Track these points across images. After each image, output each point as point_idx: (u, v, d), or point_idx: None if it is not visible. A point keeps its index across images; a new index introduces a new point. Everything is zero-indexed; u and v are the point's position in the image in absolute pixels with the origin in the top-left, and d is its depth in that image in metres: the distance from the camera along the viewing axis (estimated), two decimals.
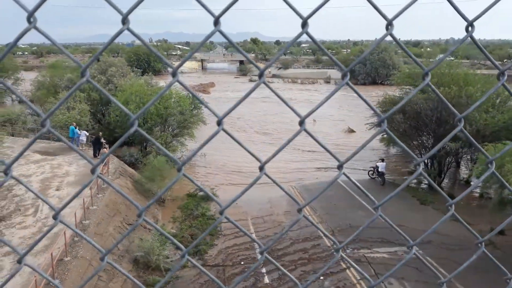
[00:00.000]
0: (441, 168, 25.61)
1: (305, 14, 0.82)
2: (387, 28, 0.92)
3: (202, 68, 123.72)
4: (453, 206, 1.28)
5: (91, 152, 24.78)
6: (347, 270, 15.81)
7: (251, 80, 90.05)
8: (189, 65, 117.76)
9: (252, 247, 17.96)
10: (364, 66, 78.28)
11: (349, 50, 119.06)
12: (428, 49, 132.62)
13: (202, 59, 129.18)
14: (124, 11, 0.77)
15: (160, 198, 22.72)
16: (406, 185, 1.35)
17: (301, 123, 0.99)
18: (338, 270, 15.85)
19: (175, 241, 1.20)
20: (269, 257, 1.21)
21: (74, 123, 26.58)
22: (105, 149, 23.79)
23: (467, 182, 26.22)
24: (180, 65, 0.89)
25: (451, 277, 1.44)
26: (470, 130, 22.32)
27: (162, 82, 38.68)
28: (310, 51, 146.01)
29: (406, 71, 33.51)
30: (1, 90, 54.41)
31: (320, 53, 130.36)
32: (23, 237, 15.06)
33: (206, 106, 0.95)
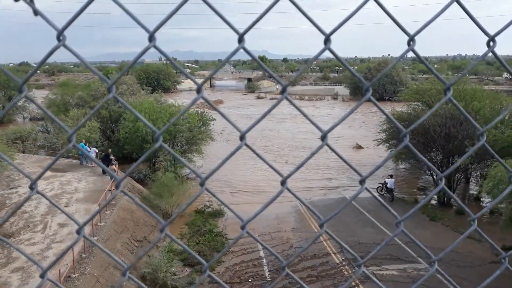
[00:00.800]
0: (450, 184, 25.39)
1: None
2: (408, 44, 0.92)
3: (211, 86, 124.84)
4: (476, 221, 1.27)
5: (100, 169, 24.95)
6: None
7: (258, 97, 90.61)
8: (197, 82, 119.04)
9: (260, 264, 17.84)
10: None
11: (356, 67, 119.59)
12: (436, 65, 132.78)
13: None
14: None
15: (167, 214, 22.75)
16: (428, 199, 1.34)
17: (323, 138, 0.97)
18: (348, 287, 15.65)
19: (197, 256, 1.20)
20: (291, 273, 1.21)
21: (84, 140, 26.86)
22: (113, 166, 23.95)
23: (477, 199, 25.92)
24: (205, 82, 0.91)
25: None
26: (479, 146, 22.13)
27: (171, 99, 39.07)
28: (318, 68, 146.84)
29: (413, 87, 33.56)
30: (13, 108, 55.38)
31: (328, 70, 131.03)
32: (32, 254, 15.11)
33: (229, 121, 0.92)
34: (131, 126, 28.61)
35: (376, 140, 30.95)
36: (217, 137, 34.72)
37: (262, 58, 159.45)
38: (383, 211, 23.35)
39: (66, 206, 19.57)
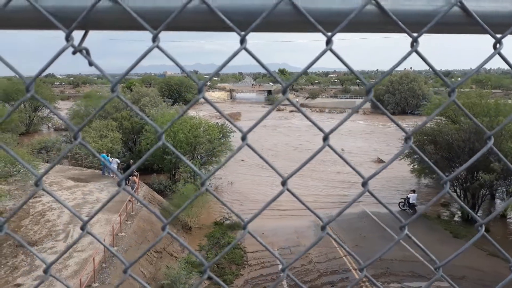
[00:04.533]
0: (474, 200, 24.77)
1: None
2: (449, 95, 0.89)
3: (231, 98, 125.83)
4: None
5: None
6: None
7: (278, 110, 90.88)
8: (218, 95, 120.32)
9: (278, 278, 17.67)
10: (393, 96, 77.73)
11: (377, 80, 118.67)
12: (459, 78, 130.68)
13: (231, 89, 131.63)
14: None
15: (186, 225, 22.84)
16: (473, 242, 1.27)
17: (364, 184, 0.97)
18: None
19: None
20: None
21: (105, 151, 27.30)
22: (134, 177, 24.24)
23: (503, 216, 25.19)
24: (250, 130, 0.88)
25: None
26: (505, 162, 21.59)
27: (193, 112, 39.52)
28: (338, 81, 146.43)
29: (436, 102, 33.06)
30: (38, 118, 56.90)
31: (348, 83, 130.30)
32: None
33: (271, 166, 0.88)
34: (153, 137, 28.99)
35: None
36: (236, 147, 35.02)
37: (283, 71, 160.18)
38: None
39: (87, 216, 19.82)
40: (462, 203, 1.02)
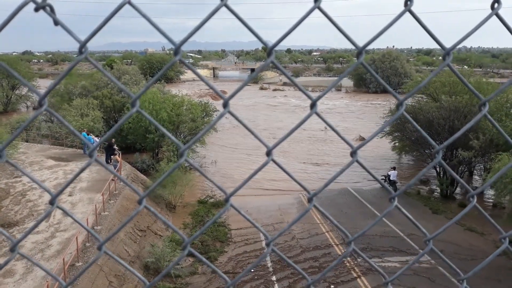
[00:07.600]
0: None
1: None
2: (444, 58, 0.90)
3: (214, 76, 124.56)
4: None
5: (103, 158, 24.98)
6: (358, 279, 15.67)
7: (262, 88, 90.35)
8: (201, 73, 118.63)
9: (263, 253, 17.90)
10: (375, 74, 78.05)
11: None
12: (440, 57, 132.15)
13: (214, 67, 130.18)
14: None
15: (170, 204, 22.85)
16: (464, 213, 1.26)
17: (353, 153, 0.93)
18: (349, 279, 15.72)
19: (221, 273, 1.19)
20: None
21: (85, 130, 26.81)
22: (116, 156, 23.99)
23: (480, 192, 25.87)
24: (232, 96, 0.86)
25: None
26: (483, 139, 22.07)
27: (174, 90, 39.04)
28: (321, 59, 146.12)
29: (418, 80, 33.38)
30: (16, 97, 55.45)
31: (331, 61, 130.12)
32: (36, 242, 15.24)
33: (257, 137, 0.87)
34: (135, 116, 28.59)
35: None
36: (219, 128, 34.85)
37: (266, 49, 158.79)
38: (386, 203, 23.30)
39: (70, 196, 19.65)
40: (454, 173, 1.01)
